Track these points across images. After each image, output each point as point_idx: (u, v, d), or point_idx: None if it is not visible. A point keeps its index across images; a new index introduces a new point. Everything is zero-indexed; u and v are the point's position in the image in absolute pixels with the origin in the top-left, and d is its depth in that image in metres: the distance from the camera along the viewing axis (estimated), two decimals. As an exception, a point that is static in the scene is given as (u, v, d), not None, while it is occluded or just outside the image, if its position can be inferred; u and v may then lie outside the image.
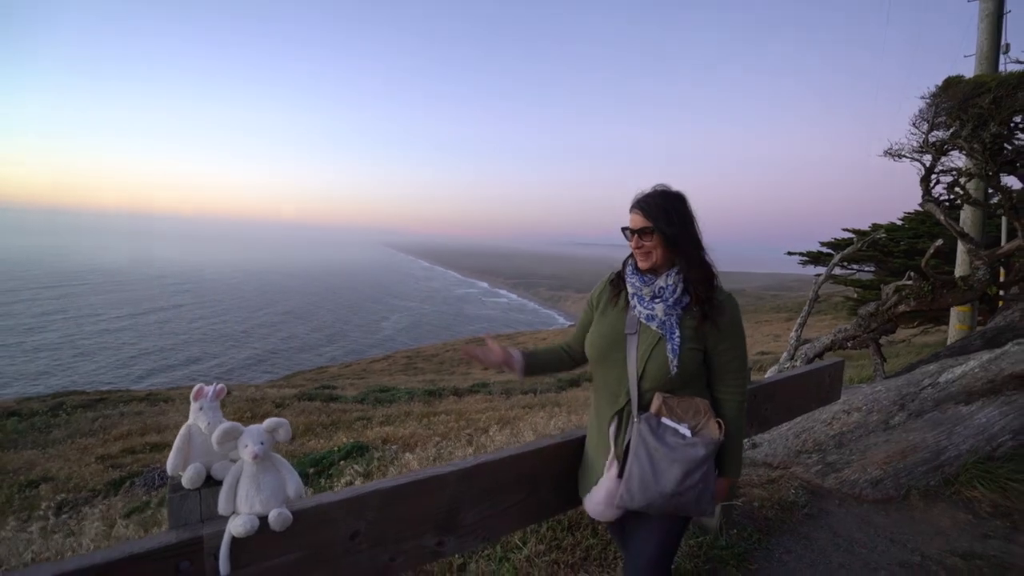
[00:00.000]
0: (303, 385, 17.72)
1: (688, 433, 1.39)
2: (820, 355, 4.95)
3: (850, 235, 15.15)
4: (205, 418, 1.11)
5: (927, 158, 4.45)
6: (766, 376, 3.27)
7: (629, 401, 1.46)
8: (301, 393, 13.85)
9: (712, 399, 1.50)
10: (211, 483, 1.12)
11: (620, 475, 1.47)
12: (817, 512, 2.75)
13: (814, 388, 3.06)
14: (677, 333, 1.42)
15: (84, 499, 6.80)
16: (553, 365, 1.74)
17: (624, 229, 1.50)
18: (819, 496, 2.93)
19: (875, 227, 15.05)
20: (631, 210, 1.49)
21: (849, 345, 4.88)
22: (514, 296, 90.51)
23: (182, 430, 1.10)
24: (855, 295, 16.06)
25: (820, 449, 3.43)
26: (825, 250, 15.72)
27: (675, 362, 1.40)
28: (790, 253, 16.97)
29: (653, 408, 1.43)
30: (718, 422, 1.43)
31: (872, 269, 14.90)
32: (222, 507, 1.10)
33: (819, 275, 7.05)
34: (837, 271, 14.54)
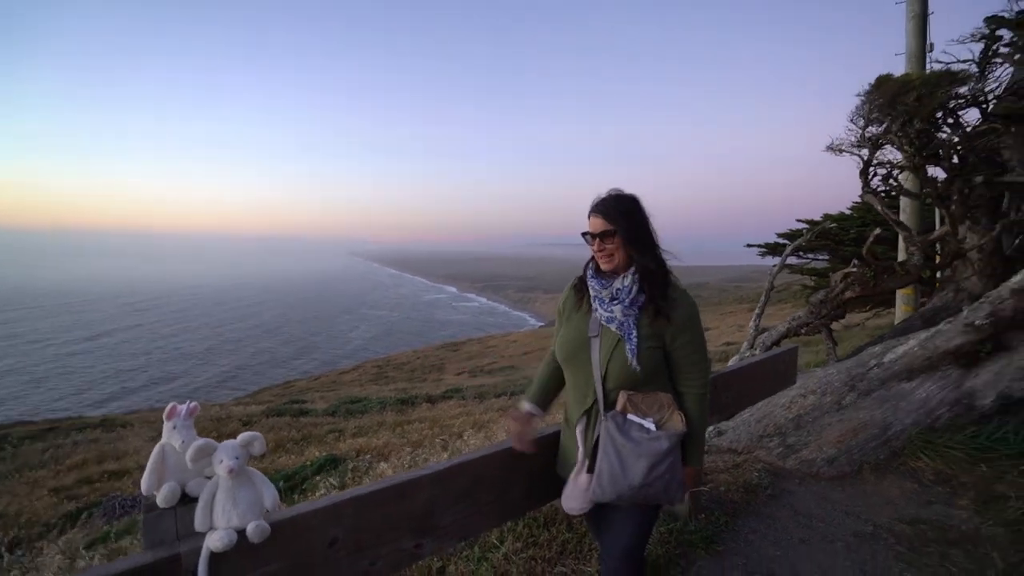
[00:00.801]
0: (270, 401, 17.22)
1: (653, 427, 1.45)
2: (777, 342, 5.19)
3: (804, 226, 15.80)
4: (179, 436, 1.11)
5: (865, 152, 4.75)
6: (728, 365, 3.42)
7: (596, 400, 1.53)
8: (269, 409, 13.47)
9: (675, 392, 1.56)
10: (186, 501, 1.12)
11: (590, 471, 1.53)
12: (779, 492, 2.90)
13: (771, 375, 3.22)
14: (635, 333, 1.47)
15: (38, 534, 6.45)
16: (557, 385, 1.73)
17: (585, 234, 1.55)
18: (781, 477, 3.09)
19: (826, 217, 15.76)
20: (590, 215, 1.54)
21: (803, 332, 5.13)
22: (484, 299, 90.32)
23: (155, 449, 1.10)
24: (811, 283, 16.74)
25: (780, 432, 3.61)
26: (782, 241, 16.30)
27: (635, 361, 1.46)
28: (749, 245, 17.55)
29: (619, 406, 1.49)
30: (681, 415, 1.50)
31: (826, 257, 15.53)
32: (199, 523, 1.10)
33: (775, 266, 7.37)
34: (793, 261, 15.14)
